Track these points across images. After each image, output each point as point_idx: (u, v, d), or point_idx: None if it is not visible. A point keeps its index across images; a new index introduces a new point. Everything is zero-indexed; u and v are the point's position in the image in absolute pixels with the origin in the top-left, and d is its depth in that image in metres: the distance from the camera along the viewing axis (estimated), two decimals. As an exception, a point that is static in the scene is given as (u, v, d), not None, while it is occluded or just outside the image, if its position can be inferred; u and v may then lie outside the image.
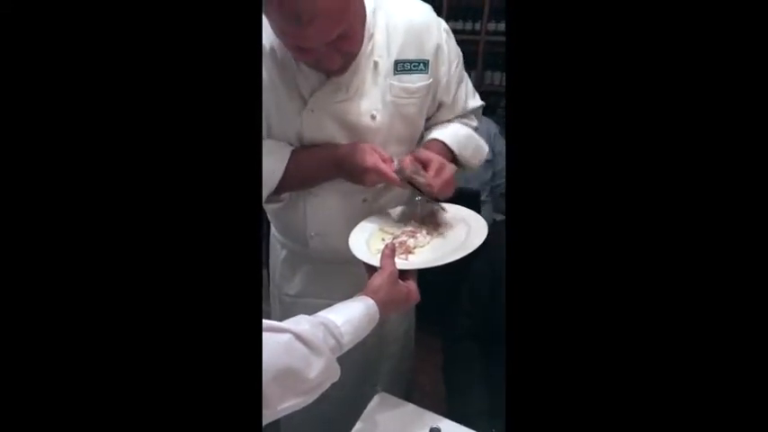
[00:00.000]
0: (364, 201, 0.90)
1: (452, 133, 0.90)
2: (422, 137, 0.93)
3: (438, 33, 0.81)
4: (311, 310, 0.67)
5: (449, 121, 0.93)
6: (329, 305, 0.69)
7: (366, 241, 0.86)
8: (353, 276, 0.83)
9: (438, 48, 0.81)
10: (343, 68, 0.76)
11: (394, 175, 0.78)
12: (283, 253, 1.01)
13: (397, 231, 0.88)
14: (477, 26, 3.11)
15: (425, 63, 0.80)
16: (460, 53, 0.87)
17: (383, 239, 0.86)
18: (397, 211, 0.96)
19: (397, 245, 0.82)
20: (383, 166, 0.77)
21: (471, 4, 3.13)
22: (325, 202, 0.88)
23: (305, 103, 0.78)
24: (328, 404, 0.68)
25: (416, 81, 0.81)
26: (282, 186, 0.81)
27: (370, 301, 0.70)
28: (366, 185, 0.81)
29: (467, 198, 1.77)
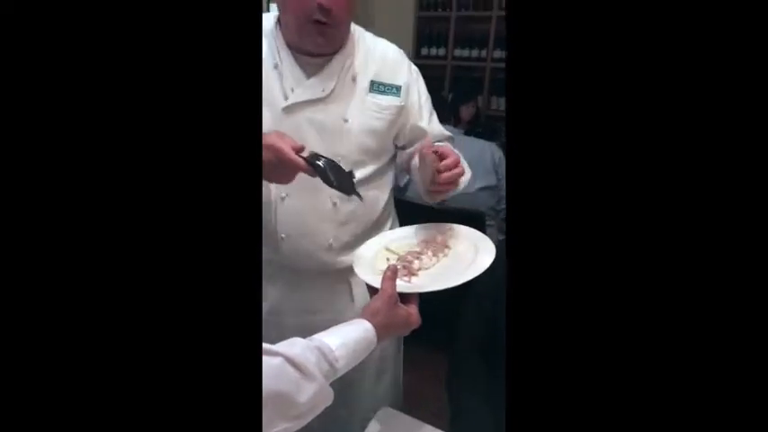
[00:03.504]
0: (334, 204, 0.93)
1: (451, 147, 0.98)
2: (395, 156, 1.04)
3: (408, 71, 0.97)
4: (284, 328, 0.67)
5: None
6: (303, 324, 0.69)
7: (370, 261, 0.86)
8: (329, 291, 0.86)
9: (408, 83, 0.96)
10: (321, 64, 0.88)
11: (292, 155, 0.75)
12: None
13: (403, 251, 0.88)
14: (483, 53, 3.21)
15: (398, 88, 0.93)
16: (427, 92, 1.02)
17: (387, 259, 0.86)
18: (404, 230, 0.97)
19: (400, 266, 0.82)
20: (281, 144, 0.74)
21: (477, 32, 3.23)
22: (295, 204, 0.92)
23: (285, 97, 0.88)
24: (322, 423, 0.69)
25: (389, 101, 0.93)
26: None
27: (368, 325, 0.69)
28: (268, 170, 0.75)
29: (472, 220, 1.80)
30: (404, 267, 0.82)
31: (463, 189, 0.94)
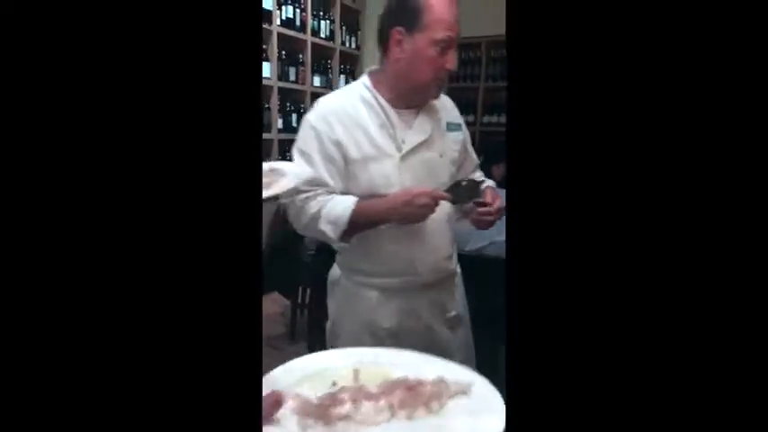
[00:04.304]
0: (447, 220, 1.18)
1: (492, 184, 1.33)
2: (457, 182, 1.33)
3: (457, 111, 1.28)
4: (413, 338, 0.93)
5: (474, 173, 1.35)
6: (428, 336, 0.92)
7: (306, 376, 0.65)
8: (447, 291, 1.16)
9: (460, 120, 1.28)
10: (415, 114, 1.15)
11: (441, 192, 1.04)
12: (374, 293, 1.18)
13: (350, 384, 0.65)
14: (510, 119, 3.50)
15: (459, 125, 1.25)
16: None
17: (334, 383, 0.64)
18: (403, 354, 0.74)
19: (317, 400, 0.59)
20: (428, 189, 1.04)
21: (503, 100, 3.53)
22: (428, 225, 1.11)
23: (399, 149, 1.12)
24: None
25: (458, 136, 1.24)
26: (352, 228, 1.08)
27: None
28: (418, 214, 1.03)
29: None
30: (321, 406, 0.59)
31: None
